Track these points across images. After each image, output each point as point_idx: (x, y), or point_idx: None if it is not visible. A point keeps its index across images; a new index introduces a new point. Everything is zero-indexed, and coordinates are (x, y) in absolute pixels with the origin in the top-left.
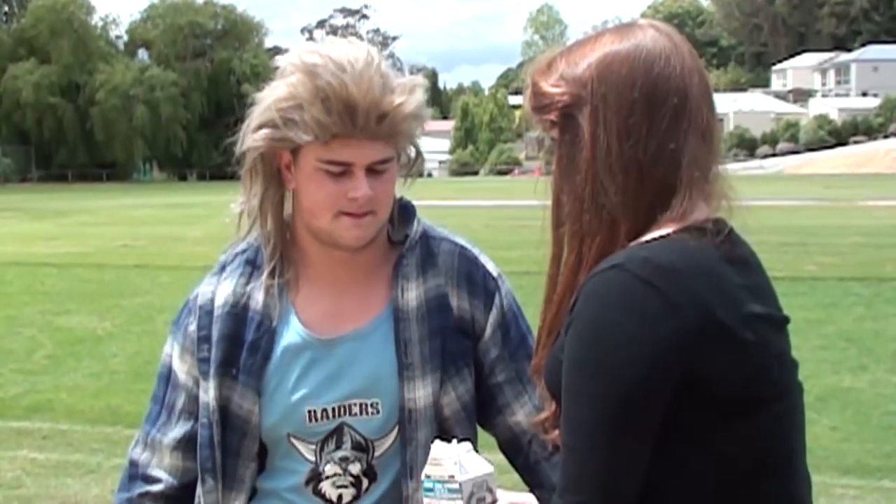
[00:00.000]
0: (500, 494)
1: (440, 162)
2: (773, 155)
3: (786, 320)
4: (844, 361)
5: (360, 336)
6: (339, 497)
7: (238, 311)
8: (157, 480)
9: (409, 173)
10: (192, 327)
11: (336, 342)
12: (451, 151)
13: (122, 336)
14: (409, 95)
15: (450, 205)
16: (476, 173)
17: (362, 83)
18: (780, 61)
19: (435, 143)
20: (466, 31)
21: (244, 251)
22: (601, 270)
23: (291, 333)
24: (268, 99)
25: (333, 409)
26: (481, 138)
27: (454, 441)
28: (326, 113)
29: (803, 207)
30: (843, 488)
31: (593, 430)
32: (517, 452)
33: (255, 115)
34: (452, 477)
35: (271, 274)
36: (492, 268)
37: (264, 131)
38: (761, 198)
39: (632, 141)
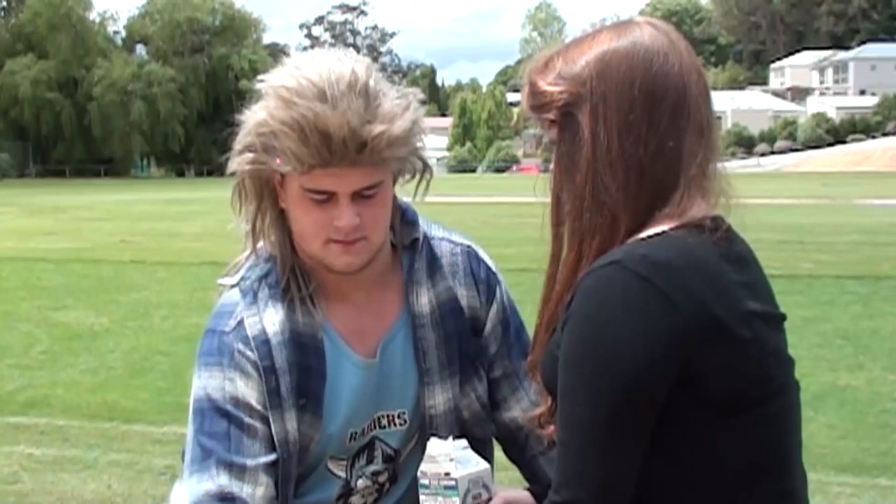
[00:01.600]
0: (496, 491)
1: (438, 159)
2: (771, 153)
3: (783, 318)
4: (841, 359)
5: (386, 350)
6: (364, 503)
7: (294, 338)
8: None
9: (418, 186)
10: (251, 356)
11: (371, 364)
12: (449, 148)
13: (119, 332)
14: (392, 123)
15: (447, 201)
16: (474, 170)
17: (338, 112)
18: (778, 59)
19: (433, 140)
20: (464, 28)
21: (266, 275)
22: (599, 267)
23: (338, 356)
24: (249, 122)
25: (368, 426)
26: (479, 135)
27: (450, 438)
28: (302, 144)
29: (801, 205)
30: (840, 486)
31: (589, 426)
32: (513, 446)
33: (240, 138)
34: (448, 474)
35: (298, 290)
36: (491, 263)
37: (248, 155)
38: (759, 196)
39: (632, 138)
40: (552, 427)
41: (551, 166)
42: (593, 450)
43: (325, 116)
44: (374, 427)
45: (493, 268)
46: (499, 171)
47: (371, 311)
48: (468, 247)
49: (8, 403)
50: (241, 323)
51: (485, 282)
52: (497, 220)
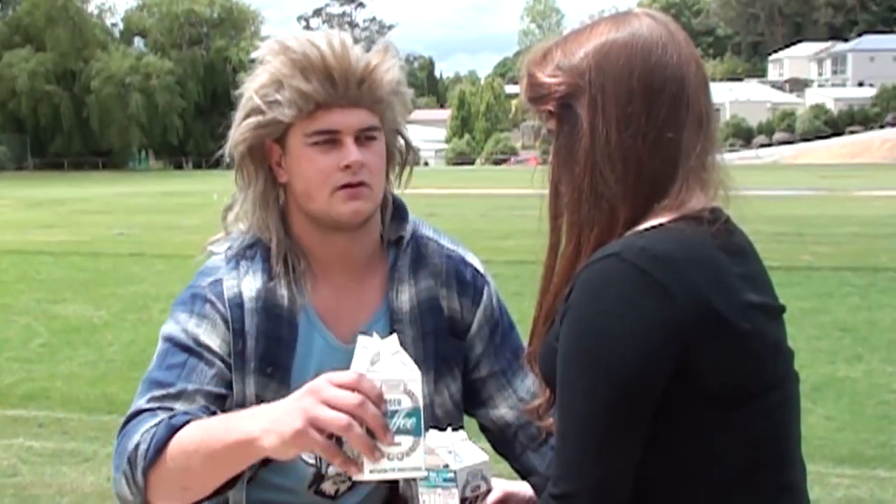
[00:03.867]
0: (495, 483)
1: (436, 151)
2: (770, 145)
3: (782, 309)
4: (839, 351)
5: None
6: (336, 491)
7: (269, 308)
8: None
9: (403, 167)
10: (222, 311)
11: (347, 347)
12: (448, 140)
13: (118, 324)
14: (384, 62)
15: (446, 193)
16: (472, 162)
17: (336, 52)
18: (776, 51)
19: (431, 133)
20: (462, 20)
21: (252, 245)
22: (597, 259)
23: (312, 333)
24: (249, 89)
25: None
26: (477, 127)
27: (448, 430)
28: (306, 82)
29: (799, 197)
30: (838, 478)
31: (587, 419)
32: (503, 443)
33: (240, 108)
34: (447, 466)
35: (286, 268)
36: (478, 265)
37: (250, 120)
38: (757, 187)
39: (630, 130)
40: (550, 419)
41: (550, 158)
42: (591, 443)
43: (325, 55)
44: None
45: (481, 270)
46: (497, 163)
47: (353, 298)
48: (454, 250)
49: (7, 396)
50: (219, 282)
51: (471, 284)
52: (496, 213)
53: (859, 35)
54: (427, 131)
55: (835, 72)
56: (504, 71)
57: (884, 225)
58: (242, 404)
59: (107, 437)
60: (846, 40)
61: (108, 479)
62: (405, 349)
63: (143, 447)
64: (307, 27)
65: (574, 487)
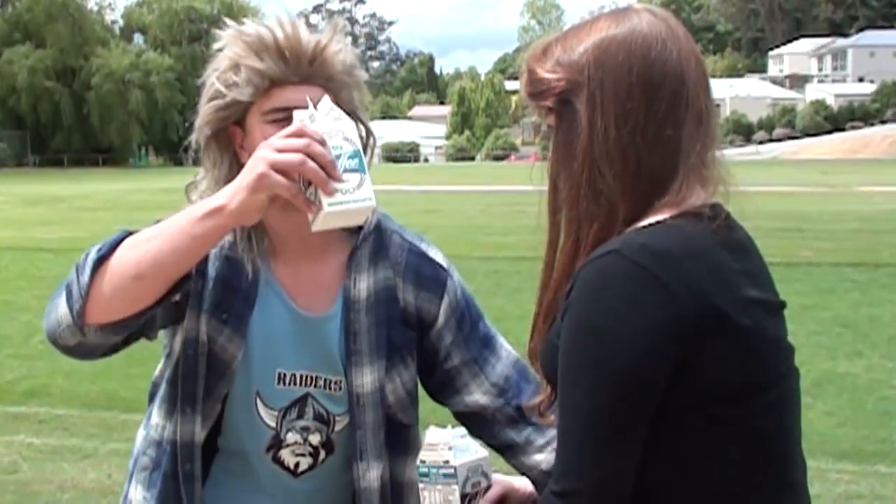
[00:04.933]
0: (495, 478)
1: (436, 147)
2: (770, 140)
3: (782, 305)
4: (840, 347)
5: (327, 319)
6: (296, 465)
7: (231, 260)
8: None
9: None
10: None
11: (308, 319)
12: (448, 137)
13: None
14: (332, 35)
15: (446, 190)
16: (472, 159)
17: (287, 31)
18: (776, 47)
19: (431, 129)
20: (462, 17)
21: None
22: (597, 256)
23: (273, 296)
24: (210, 76)
25: (302, 377)
26: (478, 124)
27: (448, 426)
28: (260, 61)
29: (799, 193)
30: (839, 473)
31: (588, 417)
32: (481, 427)
33: (203, 95)
34: (447, 462)
35: (249, 245)
36: (441, 259)
37: (212, 104)
38: (757, 183)
39: (629, 126)
40: (552, 416)
41: (549, 154)
42: (592, 440)
43: (276, 35)
44: (310, 384)
45: (444, 264)
46: (497, 159)
47: (311, 278)
48: (416, 245)
49: (8, 393)
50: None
51: (433, 278)
52: (496, 209)
53: (859, 31)
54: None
55: (835, 67)
56: (504, 67)
57: (884, 220)
58: (196, 344)
59: (107, 434)
60: (846, 36)
61: (110, 476)
62: (360, 336)
63: (96, 247)
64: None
65: (575, 484)
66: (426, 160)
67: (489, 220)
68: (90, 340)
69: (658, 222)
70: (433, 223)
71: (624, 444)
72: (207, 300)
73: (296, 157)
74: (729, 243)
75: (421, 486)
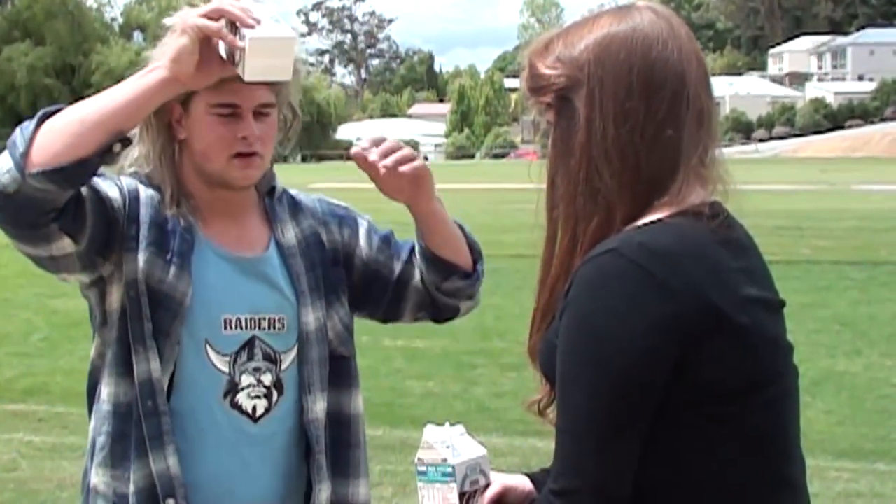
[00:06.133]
0: (494, 477)
1: (436, 145)
2: (770, 139)
3: (781, 304)
4: (839, 345)
5: (263, 261)
6: (254, 408)
7: (163, 211)
8: None
9: (288, 134)
10: (123, 194)
11: (244, 261)
12: (447, 135)
13: None
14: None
15: (445, 188)
16: (472, 157)
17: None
18: (776, 45)
19: (431, 127)
20: (462, 14)
21: (148, 186)
22: (596, 255)
23: (205, 246)
24: (157, 56)
25: (247, 320)
26: (477, 122)
27: (446, 424)
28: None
29: (799, 191)
30: (838, 471)
31: (587, 416)
32: (417, 295)
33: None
34: (445, 460)
35: (178, 209)
36: (344, 203)
37: None
38: (757, 182)
39: (628, 125)
40: (551, 414)
41: (548, 150)
42: (591, 439)
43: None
44: (255, 326)
45: (346, 205)
46: (497, 157)
47: (239, 233)
48: (323, 198)
49: (7, 391)
50: (119, 178)
51: (344, 216)
52: (496, 207)
53: (859, 29)
54: (426, 126)
55: (835, 66)
56: (504, 65)
57: (883, 219)
58: (134, 281)
59: None
60: (846, 34)
61: None
62: (301, 277)
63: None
64: (306, 21)
65: (574, 484)
66: (426, 158)
67: (489, 219)
68: (29, 188)
69: (657, 221)
70: None
71: (623, 443)
72: (144, 241)
73: (215, 4)
74: (728, 242)
75: (419, 485)
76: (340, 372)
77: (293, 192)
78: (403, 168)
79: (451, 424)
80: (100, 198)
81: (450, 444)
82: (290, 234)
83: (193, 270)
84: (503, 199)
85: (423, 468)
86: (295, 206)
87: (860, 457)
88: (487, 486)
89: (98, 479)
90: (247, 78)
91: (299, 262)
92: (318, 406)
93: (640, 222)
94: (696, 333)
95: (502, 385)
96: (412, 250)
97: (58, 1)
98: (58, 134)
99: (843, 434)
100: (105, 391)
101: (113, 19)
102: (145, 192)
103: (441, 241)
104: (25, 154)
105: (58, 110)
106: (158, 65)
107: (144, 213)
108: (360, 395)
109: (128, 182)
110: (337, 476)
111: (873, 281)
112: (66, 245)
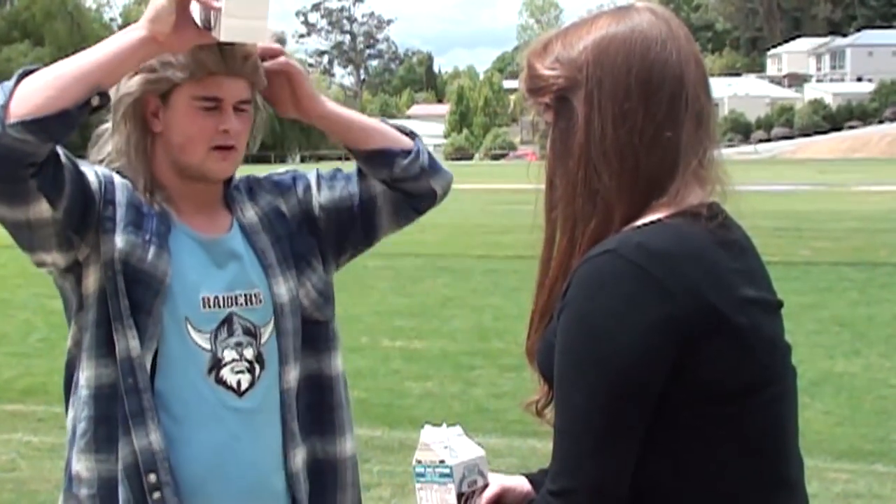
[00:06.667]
0: (492, 477)
1: (435, 146)
2: (768, 140)
3: (779, 304)
4: (838, 346)
5: (229, 240)
6: (238, 383)
7: (138, 196)
8: None
9: (254, 132)
10: (100, 179)
11: (214, 242)
12: (446, 136)
13: None
14: (256, 48)
15: None
16: (471, 157)
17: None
18: (775, 46)
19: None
20: (461, 15)
21: (124, 176)
22: (594, 256)
23: (179, 230)
24: None
25: (224, 298)
26: (476, 122)
27: (444, 425)
28: (200, 50)
29: (798, 192)
30: (836, 472)
31: (584, 416)
32: (387, 196)
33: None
34: (443, 461)
35: (152, 197)
36: (288, 170)
37: (140, 76)
38: (756, 183)
39: (627, 126)
40: (548, 414)
41: (546, 151)
42: (589, 440)
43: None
44: (232, 303)
45: (295, 170)
46: (496, 158)
47: (207, 220)
48: (274, 172)
49: (6, 391)
50: (95, 165)
51: (294, 178)
52: (494, 208)
53: (858, 30)
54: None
55: (833, 67)
56: (503, 66)
57: (882, 220)
58: (113, 263)
59: None
60: (845, 35)
61: None
62: (267, 252)
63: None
64: (305, 22)
65: (572, 484)
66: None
67: (488, 219)
68: (8, 138)
69: (655, 221)
70: (431, 221)
71: (621, 443)
72: (122, 222)
73: None
74: (726, 242)
75: (417, 486)
76: (318, 336)
77: (245, 175)
78: (268, 64)
79: (449, 425)
80: (78, 172)
81: (447, 444)
82: (250, 213)
83: (171, 251)
84: (502, 200)
85: (420, 469)
86: (250, 188)
87: (859, 458)
88: (486, 486)
89: (81, 465)
90: (222, 38)
91: (263, 237)
92: (291, 375)
93: (639, 223)
94: (694, 334)
95: (501, 386)
96: (359, 169)
97: (57, 1)
98: (37, 88)
99: (842, 435)
100: (84, 376)
101: (112, 20)
102: (120, 180)
103: (360, 135)
104: (5, 106)
105: (38, 68)
106: (137, 25)
107: (121, 197)
108: (339, 355)
109: (103, 170)
110: (325, 435)
111: (872, 282)
112: (43, 210)
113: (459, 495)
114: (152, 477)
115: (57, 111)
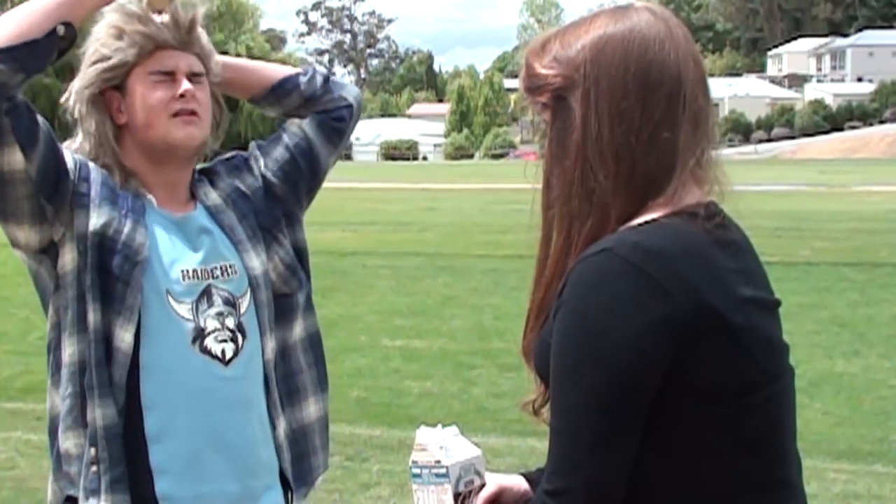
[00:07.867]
0: (489, 477)
1: (435, 145)
2: (768, 140)
3: (777, 304)
4: (837, 346)
5: (195, 216)
6: (223, 352)
7: (109, 179)
8: None
9: (217, 126)
10: (76, 160)
11: (184, 219)
12: (447, 135)
13: None
14: (200, 8)
15: (445, 188)
16: (471, 157)
17: (164, 4)
18: (775, 46)
19: (430, 127)
20: (462, 14)
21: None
22: (590, 255)
23: (152, 209)
24: (92, 45)
25: (201, 271)
26: (476, 122)
27: (439, 426)
28: (145, 26)
29: (798, 193)
30: (836, 472)
31: (581, 415)
32: (310, 127)
33: (84, 62)
34: (439, 462)
35: (126, 183)
36: (233, 153)
37: (96, 66)
38: (756, 183)
39: (624, 126)
40: (545, 413)
41: (544, 150)
42: (585, 439)
43: (155, 5)
44: (209, 276)
45: (237, 153)
46: (496, 157)
47: (176, 206)
48: (225, 155)
49: (5, 389)
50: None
51: (245, 156)
52: (494, 207)
53: (858, 30)
54: (426, 126)
55: (834, 67)
56: (503, 65)
57: (882, 220)
58: (84, 235)
59: None
60: (845, 36)
61: None
62: (235, 229)
63: None
64: (306, 21)
65: (568, 483)
66: (425, 158)
67: (487, 219)
68: None
69: (652, 221)
70: (432, 221)
71: (617, 443)
72: (98, 198)
73: None
74: (723, 242)
75: (414, 486)
76: (284, 308)
77: (198, 167)
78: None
79: (445, 426)
80: (53, 140)
81: (443, 445)
82: (213, 196)
83: (147, 227)
84: (502, 200)
85: (416, 470)
86: (211, 179)
87: (858, 458)
88: (482, 486)
89: (69, 442)
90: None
91: (230, 214)
92: (269, 347)
93: (635, 222)
94: (691, 334)
95: (501, 385)
96: (279, 123)
97: None
98: (7, 22)
99: (842, 435)
100: (66, 354)
101: None
102: (94, 165)
103: (256, 75)
104: None
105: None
106: None
107: (95, 176)
108: (300, 322)
109: (78, 154)
110: (294, 404)
111: (872, 282)
112: (17, 160)
113: (456, 495)
114: (92, 451)
115: (26, 41)
